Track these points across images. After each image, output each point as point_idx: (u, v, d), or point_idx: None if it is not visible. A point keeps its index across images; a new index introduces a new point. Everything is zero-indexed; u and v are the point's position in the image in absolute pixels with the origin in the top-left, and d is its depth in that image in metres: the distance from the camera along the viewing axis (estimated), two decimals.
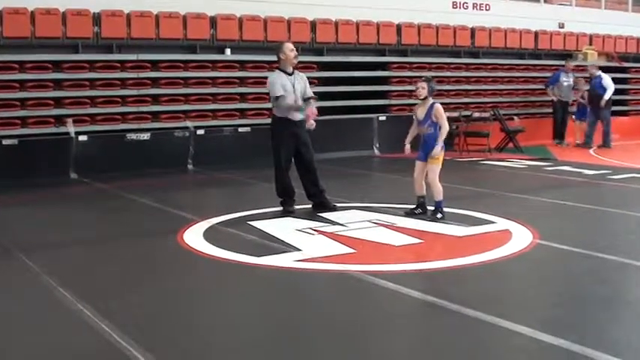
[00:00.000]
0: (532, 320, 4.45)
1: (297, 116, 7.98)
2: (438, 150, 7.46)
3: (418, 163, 7.68)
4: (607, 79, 15.35)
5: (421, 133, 7.65)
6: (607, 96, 15.09)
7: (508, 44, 17.42)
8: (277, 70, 8.10)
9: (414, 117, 7.80)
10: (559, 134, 15.81)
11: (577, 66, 16.98)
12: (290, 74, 8.00)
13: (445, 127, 7.50)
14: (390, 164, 12.90)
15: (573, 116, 16.00)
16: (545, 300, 5.17)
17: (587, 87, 15.77)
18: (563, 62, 16.78)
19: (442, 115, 7.51)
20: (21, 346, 4.23)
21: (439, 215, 7.49)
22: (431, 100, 7.61)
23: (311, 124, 8.07)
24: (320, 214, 7.83)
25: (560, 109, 15.85)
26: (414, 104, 7.80)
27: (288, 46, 8.05)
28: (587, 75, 16.16)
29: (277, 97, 7.87)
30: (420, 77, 7.86)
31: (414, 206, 7.73)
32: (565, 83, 15.81)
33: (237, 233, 7.07)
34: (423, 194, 7.70)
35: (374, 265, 5.79)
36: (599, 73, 15.45)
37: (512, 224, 7.24)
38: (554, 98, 15.90)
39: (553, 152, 14.38)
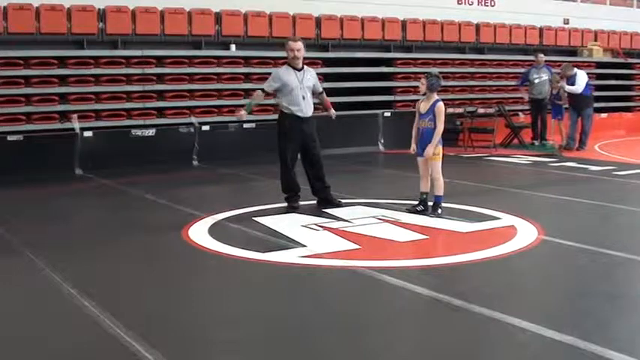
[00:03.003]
0: (537, 316, 4.44)
1: (306, 112, 7.97)
2: (430, 151, 7.46)
3: (419, 160, 7.67)
4: (580, 75, 13.99)
5: (420, 127, 7.62)
6: (574, 89, 13.77)
7: (513, 40, 17.42)
8: (285, 65, 8.09)
9: (416, 112, 7.77)
10: (535, 135, 14.70)
11: (582, 62, 16.84)
12: (299, 70, 7.99)
13: (439, 128, 7.44)
14: (395, 160, 12.89)
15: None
16: (550, 296, 5.16)
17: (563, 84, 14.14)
18: (568, 59, 16.71)
19: (440, 115, 7.45)
20: (25, 341, 4.24)
21: (439, 211, 7.49)
22: (436, 97, 7.57)
23: (333, 112, 8.43)
24: (325, 210, 7.83)
25: (535, 107, 14.72)
26: (419, 100, 7.78)
27: (288, 45, 7.97)
28: (589, 71, 15.82)
29: (262, 89, 8.05)
30: (424, 73, 7.81)
31: (416, 203, 7.72)
32: (536, 80, 14.46)
33: (242, 229, 7.08)
34: (426, 191, 7.68)
35: (379, 261, 5.79)
36: (575, 71, 14.08)
37: (517, 220, 7.23)
38: (526, 97, 14.94)
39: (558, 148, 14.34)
